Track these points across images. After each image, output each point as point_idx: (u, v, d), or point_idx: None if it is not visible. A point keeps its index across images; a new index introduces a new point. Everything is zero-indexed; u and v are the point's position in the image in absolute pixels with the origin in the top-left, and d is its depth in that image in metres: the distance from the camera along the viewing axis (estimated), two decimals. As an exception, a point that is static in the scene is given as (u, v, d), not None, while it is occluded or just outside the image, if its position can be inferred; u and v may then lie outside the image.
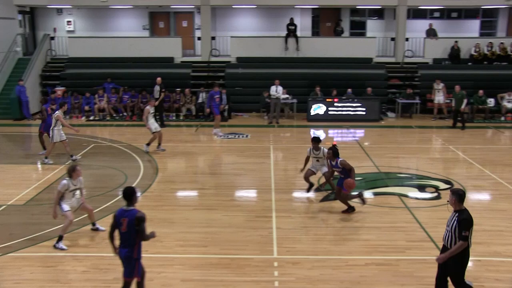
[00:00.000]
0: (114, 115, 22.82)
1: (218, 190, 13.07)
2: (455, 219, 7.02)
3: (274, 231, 10.35)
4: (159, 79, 21.16)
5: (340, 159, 11.12)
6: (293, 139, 19.82)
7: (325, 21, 28.85)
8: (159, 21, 28.76)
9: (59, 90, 23.69)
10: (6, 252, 9.54)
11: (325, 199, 12.43)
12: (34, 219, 11.21)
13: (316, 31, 28.70)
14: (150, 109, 16.46)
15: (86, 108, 22.96)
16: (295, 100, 22.43)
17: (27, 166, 15.83)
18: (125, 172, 14.44)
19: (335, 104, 22.05)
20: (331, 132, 20.51)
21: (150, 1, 25.47)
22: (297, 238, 10.12)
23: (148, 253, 9.40)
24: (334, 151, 11.20)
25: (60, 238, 9.70)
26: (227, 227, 10.67)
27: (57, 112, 15.48)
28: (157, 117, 18.75)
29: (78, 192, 10.05)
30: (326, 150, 11.92)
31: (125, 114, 22.80)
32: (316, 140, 12.46)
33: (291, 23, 25.36)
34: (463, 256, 7.02)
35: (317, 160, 12.53)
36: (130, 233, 7.03)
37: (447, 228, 7.16)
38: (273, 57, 24.92)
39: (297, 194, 12.85)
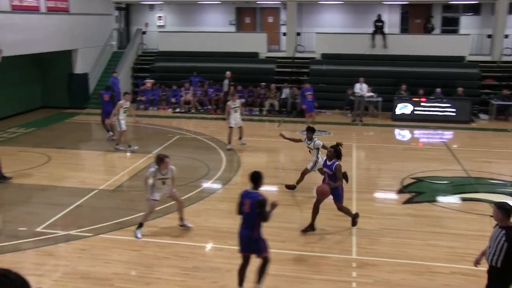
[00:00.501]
0: (199, 108, 23.33)
1: (299, 187, 13.06)
2: (502, 237, 6.39)
3: (353, 231, 10.23)
4: (228, 72, 21.56)
5: (336, 163, 9.91)
6: (376, 138, 19.40)
7: (415, 18, 27.92)
8: (245, 16, 29.04)
9: (148, 82, 24.52)
10: (97, 234, 10.05)
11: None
12: (122, 204, 11.75)
13: (404, 28, 27.80)
14: (231, 104, 16.53)
15: (173, 100, 23.61)
16: (380, 99, 21.95)
17: (117, 153, 16.50)
18: (208, 164, 14.74)
19: (422, 103, 21.30)
20: (416, 132, 19.92)
21: (238, -3, 25.80)
22: (377, 239, 9.92)
23: (228, 244, 9.60)
24: (336, 151, 10.08)
25: (140, 226, 10.02)
26: (306, 223, 10.65)
27: (120, 101, 16.01)
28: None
29: (168, 181, 10.20)
30: (318, 142, 12.12)
31: (209, 107, 23.27)
32: (310, 130, 12.40)
33: (379, 19, 24.84)
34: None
35: (309, 151, 12.50)
36: (252, 215, 7.49)
37: (491, 245, 6.58)
38: (358, 54, 24.50)
39: (379, 195, 12.65)
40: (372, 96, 21.91)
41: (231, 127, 16.41)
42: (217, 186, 13.16)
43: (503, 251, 6.35)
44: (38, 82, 23.54)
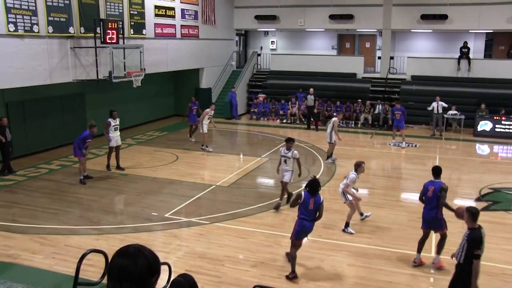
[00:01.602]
0: (303, 119, 23.32)
1: (386, 191, 12.70)
2: (465, 237, 6.47)
3: (433, 233, 9.73)
4: (311, 89, 21.35)
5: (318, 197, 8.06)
6: (458, 151, 18.36)
7: (499, 45, 26.17)
8: (346, 42, 28.66)
9: (261, 97, 24.86)
10: (213, 222, 10.33)
11: (276, 207, 11.20)
12: (235, 199, 11.96)
13: (488, 54, 26.14)
14: (337, 121, 15.82)
15: (281, 112, 23.77)
16: (463, 116, 20.78)
17: (233, 156, 16.93)
18: (309, 168, 14.67)
19: (503, 121, 19.95)
20: (496, 147, 18.63)
21: (339, 26, 25.51)
22: (456, 242, 9.34)
23: (322, 238, 9.51)
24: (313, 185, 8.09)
25: (347, 225, 9.93)
26: (392, 223, 10.33)
27: (207, 110, 16.84)
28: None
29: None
30: (296, 152, 11.00)
31: (311, 119, 23.14)
32: (290, 140, 11.21)
33: (465, 46, 23.51)
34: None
35: (285, 161, 11.15)
36: (434, 198, 8.15)
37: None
38: (445, 76, 23.34)
39: (459, 202, 11.92)
40: (456, 114, 20.80)
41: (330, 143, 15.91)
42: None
43: (464, 249, 6.39)
44: (172, 94, 24.69)
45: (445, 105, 20.18)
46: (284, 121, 23.43)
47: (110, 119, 14.32)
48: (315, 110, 22.20)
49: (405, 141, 18.33)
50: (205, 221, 10.37)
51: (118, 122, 14.49)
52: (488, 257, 8.61)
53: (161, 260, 2.36)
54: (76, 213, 10.98)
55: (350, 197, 9.99)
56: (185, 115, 19.60)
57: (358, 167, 10.22)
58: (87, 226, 10.15)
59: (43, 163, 15.30)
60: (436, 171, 8.46)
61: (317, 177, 12.97)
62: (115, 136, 14.37)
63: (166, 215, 10.72)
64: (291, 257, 8.02)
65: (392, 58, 25.07)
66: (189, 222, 10.41)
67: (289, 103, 23.64)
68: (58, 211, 11.02)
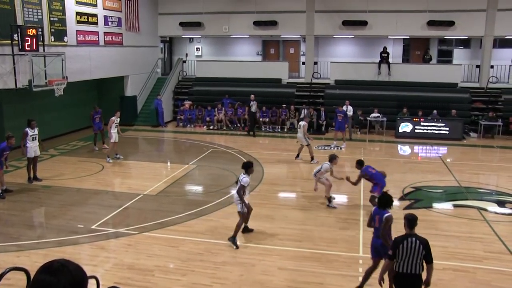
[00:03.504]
0: (230, 125, 23.44)
1: (314, 194, 12.99)
2: None
3: (361, 233, 10.13)
4: (253, 96, 21.76)
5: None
6: (381, 152, 19.27)
7: (415, 50, 27.78)
8: (271, 48, 29.16)
9: (187, 104, 24.72)
10: (141, 231, 10.13)
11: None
12: (163, 207, 11.78)
13: (406, 58, 27.70)
14: (306, 125, 16.69)
15: (207, 119, 23.75)
16: (385, 119, 21.82)
17: (160, 164, 16.65)
18: (236, 173, 14.64)
19: (421, 123, 21.19)
20: (416, 148, 19.71)
21: (263, 32, 25.94)
22: None
23: (252, 243, 9.60)
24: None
25: (329, 200, 11.86)
26: (320, 226, 10.61)
27: (112, 118, 16.29)
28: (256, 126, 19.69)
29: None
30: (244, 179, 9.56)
31: (238, 125, 23.35)
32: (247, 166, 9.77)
33: (384, 51, 24.76)
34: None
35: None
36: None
37: None
38: (367, 80, 24.44)
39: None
40: (378, 117, 21.80)
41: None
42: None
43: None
44: (96, 102, 23.90)
45: (351, 108, 21.00)
46: (211, 127, 23.43)
47: (27, 129, 13.66)
48: (263, 115, 22.48)
49: (345, 143, 19.23)
50: (133, 231, 10.16)
51: (36, 132, 13.84)
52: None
53: (89, 274, 2.29)
54: (-6, 230, 10.35)
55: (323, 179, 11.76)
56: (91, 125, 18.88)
57: (333, 159, 11.96)
58: (7, 243, 9.59)
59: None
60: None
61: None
62: (33, 146, 13.73)
63: (93, 227, 10.38)
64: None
65: (316, 63, 25.82)
66: (116, 233, 10.15)
67: (216, 109, 23.68)
68: (-26, 229, 10.35)
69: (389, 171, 15.29)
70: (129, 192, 13.00)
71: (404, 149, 19.55)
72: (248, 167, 9.64)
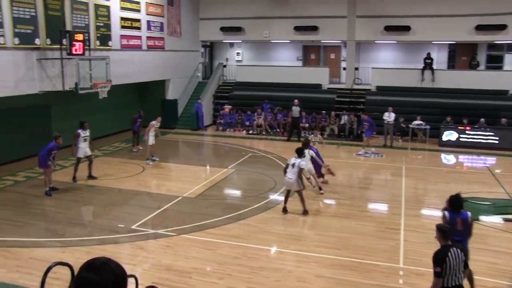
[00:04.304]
0: (269, 130, 23.51)
1: (353, 201, 12.89)
2: None
3: (401, 243, 9.95)
4: (296, 101, 21.73)
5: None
6: (424, 161, 18.82)
7: (461, 55, 27.03)
8: (311, 53, 29.08)
9: (227, 108, 24.96)
10: (180, 233, 10.30)
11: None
12: (202, 210, 11.92)
13: (451, 64, 26.96)
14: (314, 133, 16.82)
15: (247, 123, 23.92)
16: (428, 126, 21.35)
17: (199, 167, 16.88)
18: (275, 179, 14.79)
19: (467, 131, 20.54)
20: (461, 157, 19.13)
21: (304, 37, 25.93)
22: (424, 252, 9.37)
23: (289, 249, 9.62)
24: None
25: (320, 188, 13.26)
26: (359, 234, 10.49)
27: (152, 122, 16.69)
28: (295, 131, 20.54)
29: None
30: (302, 163, 11.70)
31: (278, 130, 23.40)
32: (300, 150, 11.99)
33: (428, 57, 24.27)
34: None
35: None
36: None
37: None
38: (409, 87, 24.01)
39: (425, 212, 12.26)
40: (421, 124, 21.37)
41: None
42: (282, 198, 13.13)
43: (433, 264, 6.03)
44: (138, 105, 24.39)
45: (393, 115, 20.55)
46: (250, 132, 23.57)
47: (80, 130, 14.20)
48: (303, 121, 22.44)
49: (371, 151, 18.83)
50: (172, 232, 10.33)
51: (88, 133, 14.36)
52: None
53: (128, 273, 2.37)
54: (41, 226, 10.78)
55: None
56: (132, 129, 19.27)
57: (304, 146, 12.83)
58: (53, 239, 9.98)
59: (8, 175, 15.00)
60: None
61: (284, 187, 13.17)
62: (83, 147, 14.24)
63: (133, 227, 10.63)
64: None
65: (357, 69, 25.59)
66: (155, 234, 10.36)
67: (255, 114, 23.81)
68: (23, 224, 10.80)
69: (432, 181, 15.04)
70: (169, 194, 13.23)
71: (448, 158, 19.06)
72: (301, 152, 11.79)
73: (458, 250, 6.04)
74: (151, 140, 16.59)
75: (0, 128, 15.94)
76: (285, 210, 11.77)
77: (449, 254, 5.91)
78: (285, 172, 11.68)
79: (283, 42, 27.70)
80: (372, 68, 25.47)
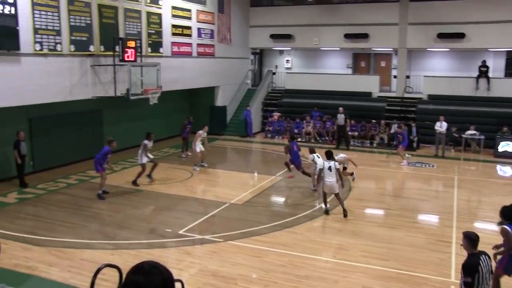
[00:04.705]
0: (318, 138, 23.32)
1: (402, 212, 12.56)
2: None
3: (453, 256, 9.56)
4: (341, 108, 21.54)
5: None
6: (478, 172, 18.11)
7: (520, 63, 25.91)
8: (361, 61, 28.70)
9: (276, 115, 24.95)
10: (226, 240, 10.32)
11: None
12: (249, 217, 11.92)
13: (509, 73, 25.80)
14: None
15: (295, 131, 23.72)
16: (482, 136, 20.56)
17: (247, 174, 16.93)
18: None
19: (526, 142, 19.63)
20: (517, 169, 18.33)
21: (354, 45, 25.63)
22: None
23: (335, 258, 9.44)
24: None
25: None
26: (408, 246, 10.19)
27: (200, 131, 16.83)
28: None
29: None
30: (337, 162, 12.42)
31: (326, 138, 23.16)
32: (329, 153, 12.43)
33: (483, 65, 23.37)
34: None
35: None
36: None
37: None
38: (463, 95, 23.20)
39: (479, 225, 11.77)
40: (474, 134, 20.61)
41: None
42: (330, 206, 12.98)
43: (462, 277, 5.78)
44: (187, 112, 24.78)
45: (445, 124, 19.89)
46: (299, 139, 23.44)
47: (146, 141, 14.72)
48: (348, 129, 22.21)
49: (406, 160, 18.53)
50: (219, 238, 10.37)
51: (152, 143, 14.94)
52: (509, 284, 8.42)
53: (175, 277, 2.38)
54: (92, 228, 11.09)
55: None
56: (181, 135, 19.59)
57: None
58: (103, 241, 10.23)
59: (62, 178, 15.55)
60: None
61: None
62: (150, 156, 14.91)
63: (180, 232, 10.75)
64: None
65: (408, 77, 25.06)
66: (202, 239, 10.43)
67: (304, 121, 23.68)
68: (75, 225, 11.15)
69: (486, 193, 14.46)
70: (216, 200, 13.32)
71: (504, 170, 18.25)
72: (331, 154, 12.29)
73: (487, 257, 5.85)
74: (198, 149, 16.77)
75: (54, 132, 16.56)
76: (328, 212, 12.13)
77: (481, 262, 5.71)
78: (318, 177, 12.32)
79: (333, 49, 27.51)
80: (424, 76, 24.82)
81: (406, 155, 18.78)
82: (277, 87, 28.08)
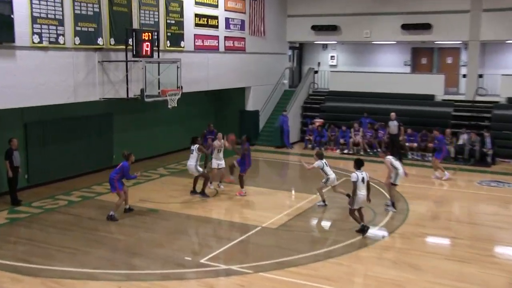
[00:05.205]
0: (368, 150, 23.01)
1: (474, 242, 12.14)
2: None
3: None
4: (393, 114, 21.25)
5: None
6: None
7: None
8: (422, 57, 28.31)
9: (318, 122, 24.78)
10: (257, 271, 10.19)
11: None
12: (284, 244, 11.78)
13: None
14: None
15: (341, 141, 23.55)
16: None
17: (282, 192, 16.78)
18: (374, 209, 14.34)
19: None
20: None
21: (413, 38, 25.26)
22: None
23: (392, 297, 9.18)
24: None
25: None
26: (483, 286, 9.80)
27: (214, 142, 16.75)
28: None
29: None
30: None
31: (379, 150, 22.78)
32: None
33: None
34: None
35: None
36: None
37: None
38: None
39: None
40: None
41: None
42: (382, 233, 12.70)
43: None
44: (213, 117, 24.89)
45: None
46: (346, 151, 23.18)
47: (196, 147, 15.48)
48: (401, 138, 21.85)
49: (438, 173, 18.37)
50: (248, 269, 10.26)
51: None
52: None
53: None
54: (96, 254, 11.11)
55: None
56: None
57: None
58: (109, 270, 10.23)
59: (62, 194, 15.72)
60: None
61: (386, 220, 12.67)
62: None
63: (202, 261, 10.68)
64: None
65: (481, 76, 24.68)
66: (228, 270, 10.33)
67: (352, 130, 23.43)
68: (77, 251, 11.19)
69: None
70: (245, 223, 13.25)
71: None
72: (362, 163, 12.61)
73: None
74: (214, 163, 16.46)
75: (53, 140, 16.74)
76: (366, 230, 12.34)
77: None
78: (354, 192, 12.35)
79: (388, 43, 27.26)
80: (502, 75, 24.29)
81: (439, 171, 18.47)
82: (320, 88, 27.97)
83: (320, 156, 14.64)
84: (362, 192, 12.26)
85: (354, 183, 12.26)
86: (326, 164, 14.47)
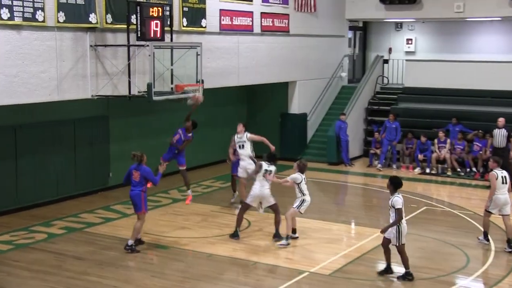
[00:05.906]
0: (459, 169, 22.74)
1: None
2: None
3: None
4: (501, 120, 21.15)
5: None
6: None
7: None
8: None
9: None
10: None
11: None
12: (339, 298, 11.71)
13: None
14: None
15: (420, 157, 23.36)
16: None
17: (338, 225, 16.68)
18: (467, 252, 14.16)
19: None
20: None
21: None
22: None
23: None
24: None
25: None
26: None
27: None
28: None
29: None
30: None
31: (474, 170, 22.47)
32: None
33: None
34: None
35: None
36: None
37: None
38: None
39: None
40: None
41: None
42: (479, 286, 12.46)
43: None
44: (245, 121, 24.85)
45: None
46: (426, 170, 22.93)
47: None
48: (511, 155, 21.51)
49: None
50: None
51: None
52: None
53: None
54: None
55: None
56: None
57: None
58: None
59: (40, 224, 15.86)
60: None
61: (484, 268, 12.42)
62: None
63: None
64: None
65: None
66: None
67: (435, 141, 23.20)
68: (56, 303, 11.27)
69: None
70: (288, 267, 13.16)
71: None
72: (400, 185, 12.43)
73: None
74: (241, 171, 16.89)
75: (29, 152, 16.80)
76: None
77: None
78: (399, 220, 12.25)
79: (488, 20, 27.01)
80: None
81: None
82: (391, 84, 27.95)
83: (302, 168, 14.81)
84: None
85: (399, 210, 12.06)
86: (304, 180, 14.72)
